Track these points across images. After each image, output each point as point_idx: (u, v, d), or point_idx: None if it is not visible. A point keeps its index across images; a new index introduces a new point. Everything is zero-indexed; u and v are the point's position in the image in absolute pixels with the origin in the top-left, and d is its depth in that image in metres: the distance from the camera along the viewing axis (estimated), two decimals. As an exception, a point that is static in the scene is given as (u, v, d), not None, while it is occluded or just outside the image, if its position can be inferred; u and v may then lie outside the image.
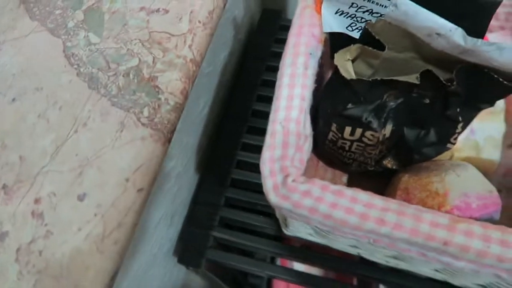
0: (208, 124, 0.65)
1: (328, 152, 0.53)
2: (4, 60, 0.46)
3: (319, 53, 0.47)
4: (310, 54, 0.46)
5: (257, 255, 0.65)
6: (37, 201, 0.38)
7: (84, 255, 0.36)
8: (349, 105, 0.45)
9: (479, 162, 0.49)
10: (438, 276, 0.47)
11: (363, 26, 0.46)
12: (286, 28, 0.48)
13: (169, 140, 0.44)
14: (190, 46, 0.46)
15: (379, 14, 0.43)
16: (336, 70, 0.45)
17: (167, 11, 0.48)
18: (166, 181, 0.52)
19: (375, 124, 0.46)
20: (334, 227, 0.38)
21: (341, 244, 0.49)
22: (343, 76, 0.43)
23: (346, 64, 0.46)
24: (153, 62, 0.45)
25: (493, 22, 0.57)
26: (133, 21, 0.49)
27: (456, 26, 0.37)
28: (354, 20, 0.46)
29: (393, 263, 0.49)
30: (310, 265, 0.59)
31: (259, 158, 0.40)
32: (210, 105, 0.64)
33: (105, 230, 0.37)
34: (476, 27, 0.39)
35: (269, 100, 0.45)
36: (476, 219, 0.41)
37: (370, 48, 0.45)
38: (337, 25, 0.47)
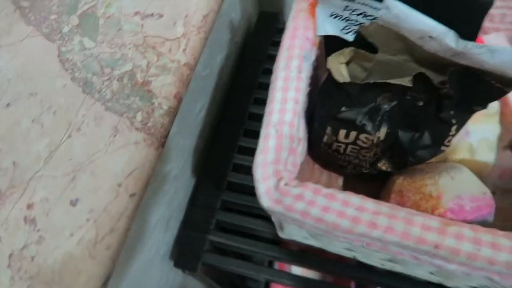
0: (204, 127, 0.65)
1: (323, 154, 0.53)
2: (0, 65, 0.46)
3: (313, 56, 0.47)
4: (304, 57, 0.46)
5: (255, 259, 0.65)
6: (29, 206, 0.39)
7: (76, 260, 0.36)
8: (343, 108, 0.45)
9: (473, 164, 0.49)
10: (433, 279, 0.47)
11: (357, 29, 0.46)
12: (283, 31, 0.48)
13: (162, 145, 0.44)
14: (184, 50, 0.47)
15: (372, 17, 0.43)
16: (330, 73, 0.45)
17: (161, 16, 0.49)
18: (163, 184, 0.52)
19: (369, 127, 0.46)
20: (327, 231, 0.38)
21: (336, 247, 0.49)
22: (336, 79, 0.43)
23: (339, 67, 0.46)
24: (147, 66, 0.46)
25: (488, 24, 0.57)
26: (127, 25, 0.49)
27: (447, 29, 0.37)
28: (348, 23, 0.46)
29: (388, 266, 0.49)
30: (308, 269, 0.59)
31: (255, 161, 0.40)
32: (207, 107, 0.64)
33: (97, 235, 0.37)
34: (469, 29, 0.39)
35: (266, 103, 0.45)
36: (470, 221, 0.41)
37: (363, 51, 0.45)
38: (332, 28, 0.47)
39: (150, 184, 0.45)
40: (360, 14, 0.44)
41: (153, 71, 0.45)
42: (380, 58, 0.45)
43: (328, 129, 0.48)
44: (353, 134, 0.47)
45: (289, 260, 0.57)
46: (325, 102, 0.48)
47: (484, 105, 0.42)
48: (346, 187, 0.57)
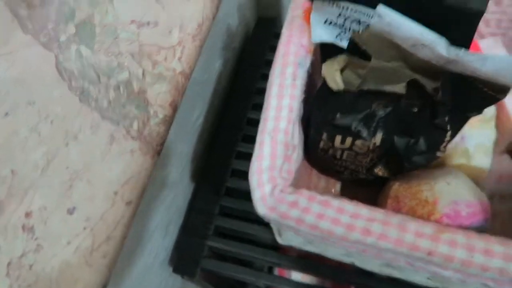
0: (203, 133, 0.65)
1: (320, 160, 0.53)
2: (-2, 74, 0.46)
3: (308, 63, 0.48)
4: (299, 64, 0.46)
5: (254, 265, 0.65)
6: (28, 214, 0.39)
7: (73, 268, 0.37)
8: (338, 115, 0.45)
9: (469, 169, 0.49)
10: (431, 284, 0.47)
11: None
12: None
13: (158, 153, 0.44)
14: (179, 59, 0.47)
15: (366, 24, 0.44)
16: (325, 80, 0.46)
17: (157, 24, 0.49)
18: (161, 190, 0.52)
19: (364, 133, 0.46)
20: (322, 237, 0.38)
21: (333, 253, 0.49)
22: (331, 86, 0.44)
23: (334, 74, 0.46)
24: (142, 75, 0.46)
25: (484, 29, 0.57)
26: (124, 34, 0.49)
27: (439, 37, 0.37)
28: (342, 30, 0.47)
29: (386, 271, 0.49)
30: (308, 275, 0.59)
31: (252, 167, 0.40)
32: (205, 113, 0.64)
33: (94, 243, 0.37)
34: (462, 36, 0.39)
35: (263, 108, 0.45)
36: (466, 227, 0.41)
37: (356, 58, 0.45)
38: (326, 34, 0.47)
39: (148, 190, 0.45)
40: (354, 21, 0.45)
41: (149, 79, 0.46)
42: (374, 65, 0.45)
43: (324, 135, 0.48)
44: (348, 140, 0.47)
45: (288, 266, 0.57)
46: (320, 108, 0.48)
47: (478, 111, 0.42)
48: (343, 192, 0.57)
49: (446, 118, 0.42)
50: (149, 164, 0.43)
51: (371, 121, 0.46)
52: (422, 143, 0.46)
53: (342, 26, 0.46)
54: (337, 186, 0.58)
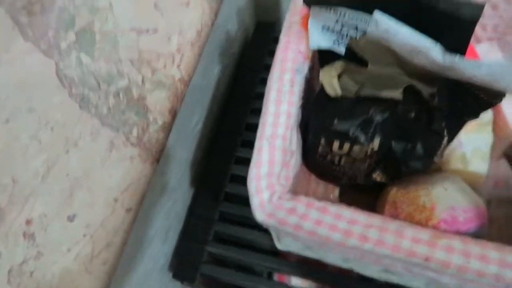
0: (202, 139, 0.65)
1: (319, 165, 0.54)
2: (-1, 81, 0.46)
3: (305, 69, 0.48)
4: (297, 70, 0.47)
5: (255, 270, 0.65)
6: (28, 222, 0.39)
7: (73, 275, 0.37)
8: (336, 121, 0.46)
9: (467, 174, 0.49)
10: (430, 289, 0.48)
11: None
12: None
13: (157, 160, 0.44)
14: (178, 66, 0.47)
15: (363, 30, 0.44)
16: (323, 86, 0.46)
17: (156, 31, 0.49)
18: (160, 196, 0.53)
19: (362, 138, 0.46)
20: (320, 243, 0.38)
21: (332, 258, 0.50)
22: (328, 92, 0.44)
23: (332, 80, 0.46)
24: (142, 81, 0.46)
25: (481, 33, 0.58)
26: (124, 41, 0.50)
27: (435, 43, 0.38)
28: (340, 36, 0.47)
29: (385, 277, 0.49)
30: (307, 280, 0.59)
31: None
32: (204, 119, 0.65)
33: (93, 250, 0.38)
34: (457, 43, 0.39)
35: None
36: (463, 232, 0.41)
37: (354, 64, 0.45)
38: (324, 41, 0.48)
39: (148, 196, 0.45)
40: (351, 27, 0.45)
41: (148, 86, 0.46)
42: (371, 71, 0.45)
43: (322, 140, 0.49)
44: (346, 145, 0.47)
45: (288, 271, 0.57)
46: (318, 113, 0.48)
47: (475, 116, 0.42)
48: (342, 197, 0.58)
49: (443, 124, 0.43)
50: (149, 171, 0.43)
51: (368, 126, 0.46)
52: (419, 148, 0.46)
53: (339, 32, 0.46)
54: (335, 191, 0.58)
